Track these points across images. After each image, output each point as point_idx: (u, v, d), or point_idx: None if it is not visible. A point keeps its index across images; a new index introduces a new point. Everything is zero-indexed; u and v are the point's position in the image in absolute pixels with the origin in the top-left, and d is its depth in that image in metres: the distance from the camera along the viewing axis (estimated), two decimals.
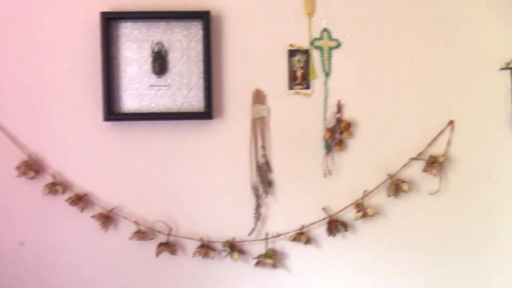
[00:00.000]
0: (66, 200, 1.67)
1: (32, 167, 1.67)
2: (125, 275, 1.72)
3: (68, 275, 1.73)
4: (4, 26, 1.68)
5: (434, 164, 1.61)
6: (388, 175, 1.65)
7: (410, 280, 1.69)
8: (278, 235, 1.69)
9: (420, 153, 1.65)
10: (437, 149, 1.66)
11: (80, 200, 1.67)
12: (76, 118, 1.68)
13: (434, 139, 1.65)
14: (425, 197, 1.67)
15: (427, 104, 1.66)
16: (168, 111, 1.66)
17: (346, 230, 1.67)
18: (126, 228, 1.69)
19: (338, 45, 1.66)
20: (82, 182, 1.70)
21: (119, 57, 1.65)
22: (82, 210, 1.66)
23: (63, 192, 1.67)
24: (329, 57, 1.65)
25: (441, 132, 1.66)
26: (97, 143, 1.68)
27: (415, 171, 1.66)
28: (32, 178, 1.67)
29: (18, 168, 1.67)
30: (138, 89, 1.67)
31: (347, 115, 1.66)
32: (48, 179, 1.69)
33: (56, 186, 1.67)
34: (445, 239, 1.69)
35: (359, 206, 1.66)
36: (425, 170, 1.64)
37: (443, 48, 1.66)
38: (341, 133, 1.66)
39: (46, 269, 1.73)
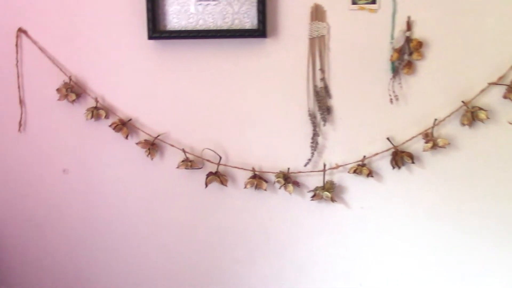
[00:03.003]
0: (110, 126, 1.61)
1: (73, 90, 1.61)
2: (172, 206, 1.68)
3: (111, 204, 1.71)
4: None
5: None
6: (463, 101, 1.46)
7: (480, 220, 1.52)
8: (337, 166, 1.56)
9: (501, 77, 1.43)
10: None
11: (124, 126, 1.61)
12: (119, 37, 1.59)
13: None
14: (504, 127, 1.47)
15: (511, 21, 1.40)
16: (217, 28, 1.53)
17: (412, 162, 1.52)
18: (173, 156, 1.63)
19: None
20: (126, 107, 1.64)
21: None
22: (126, 136, 1.61)
23: (106, 117, 1.62)
24: None
25: None
26: (141, 64, 1.59)
27: (494, 97, 1.45)
28: (73, 101, 1.62)
29: (58, 90, 1.61)
30: (184, 4, 1.53)
31: (417, 33, 1.46)
32: (91, 103, 1.62)
33: (99, 111, 1.61)
34: None
35: (428, 136, 1.50)
36: (505, 97, 1.44)
37: None
38: (410, 54, 1.48)
39: (89, 198, 1.72)
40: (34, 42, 1.64)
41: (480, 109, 1.46)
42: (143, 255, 1.75)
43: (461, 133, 1.51)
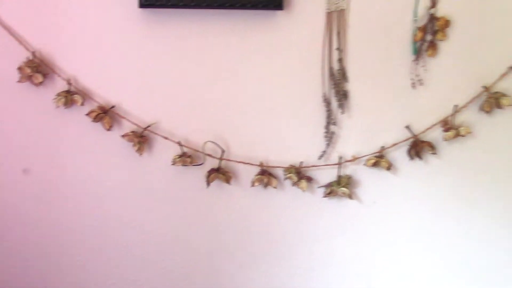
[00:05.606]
0: (87, 114, 1.44)
1: (39, 69, 1.42)
2: (166, 210, 1.54)
3: (88, 211, 1.55)
4: None
5: None
6: (484, 87, 1.42)
7: (502, 216, 1.51)
8: (355, 159, 1.47)
9: None
10: None
11: (106, 115, 1.44)
12: (99, 3, 1.41)
13: None
14: None
15: None
16: None
17: (434, 153, 1.46)
18: (166, 151, 1.48)
19: None
20: (107, 91, 1.46)
21: None
22: (109, 127, 1.44)
23: (83, 103, 1.44)
24: None
25: None
26: (128, 39, 1.42)
27: None
28: (39, 84, 1.42)
29: (20, 69, 1.41)
30: None
31: (441, 11, 1.39)
32: (62, 86, 1.43)
33: (73, 96, 1.43)
34: None
35: (448, 124, 1.44)
36: None
37: None
38: (434, 33, 1.40)
39: (56, 205, 1.54)
40: None
41: (503, 95, 1.42)
42: (131, 267, 1.60)
43: (478, 120, 1.47)
